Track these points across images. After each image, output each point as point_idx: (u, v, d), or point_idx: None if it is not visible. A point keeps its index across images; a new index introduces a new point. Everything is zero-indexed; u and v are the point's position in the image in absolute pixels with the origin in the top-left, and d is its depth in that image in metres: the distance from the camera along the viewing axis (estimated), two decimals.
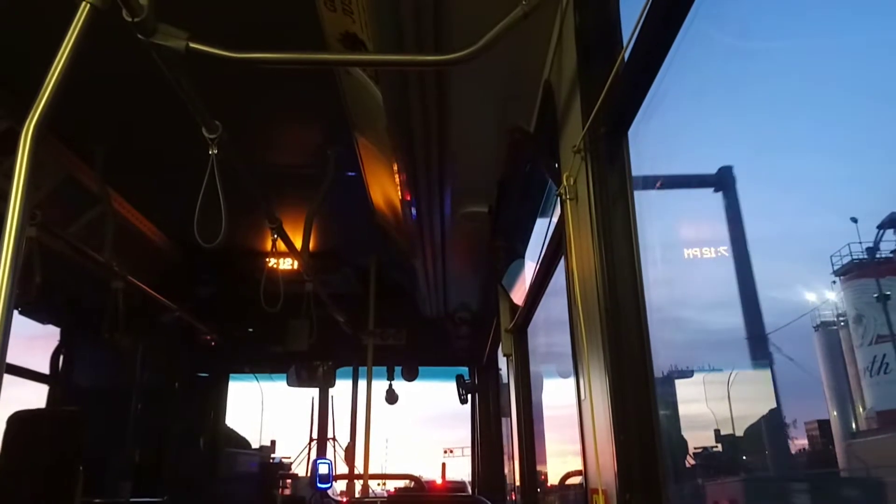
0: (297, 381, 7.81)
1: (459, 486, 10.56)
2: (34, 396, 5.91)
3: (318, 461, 7.07)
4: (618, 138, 2.00)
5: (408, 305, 6.67)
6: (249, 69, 3.32)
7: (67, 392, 6.11)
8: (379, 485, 10.57)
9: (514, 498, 5.78)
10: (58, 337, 6.30)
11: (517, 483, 4.96)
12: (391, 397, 7.60)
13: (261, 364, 8.21)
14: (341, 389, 7.83)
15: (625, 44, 1.79)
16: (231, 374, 8.17)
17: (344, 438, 7.88)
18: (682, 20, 1.58)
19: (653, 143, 2.09)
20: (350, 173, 4.59)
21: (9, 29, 3.32)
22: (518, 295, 4.51)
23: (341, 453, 8.22)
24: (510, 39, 2.02)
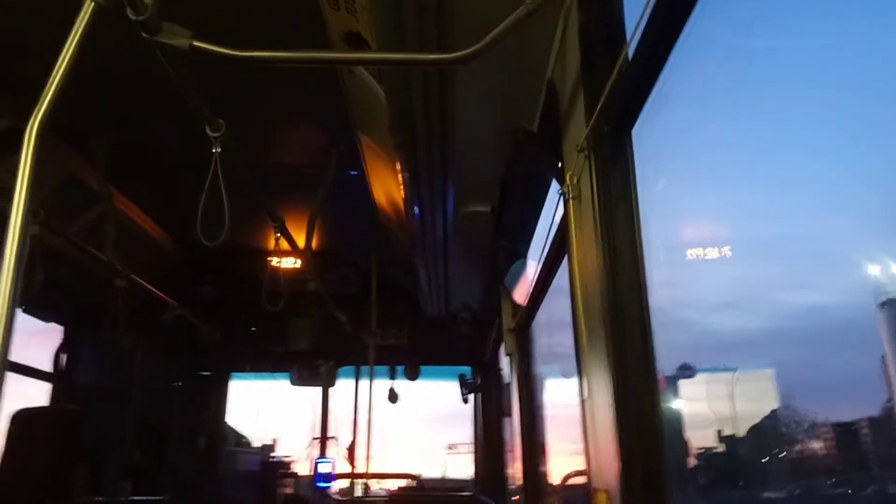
0: (299, 380, 7.81)
1: (462, 485, 10.44)
2: (37, 392, 5.93)
3: (320, 460, 7.08)
4: (621, 137, 1.99)
5: (410, 305, 6.67)
6: (253, 68, 3.33)
7: (69, 390, 6.12)
8: (376, 483, 10.52)
9: (516, 498, 5.78)
10: (59, 334, 6.31)
11: (519, 482, 4.96)
12: (393, 397, 7.60)
13: (262, 363, 8.21)
14: (343, 389, 7.83)
15: (628, 42, 1.79)
16: (233, 373, 8.18)
17: (345, 438, 7.88)
18: (687, 18, 1.58)
19: (657, 142, 2.09)
20: (352, 172, 4.59)
21: (12, 27, 3.32)
22: (520, 294, 4.51)
23: (343, 452, 8.22)
24: (513, 38, 2.02)
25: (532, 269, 3.98)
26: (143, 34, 1.94)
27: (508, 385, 5.24)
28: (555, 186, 2.70)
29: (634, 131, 1.98)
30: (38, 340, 6.23)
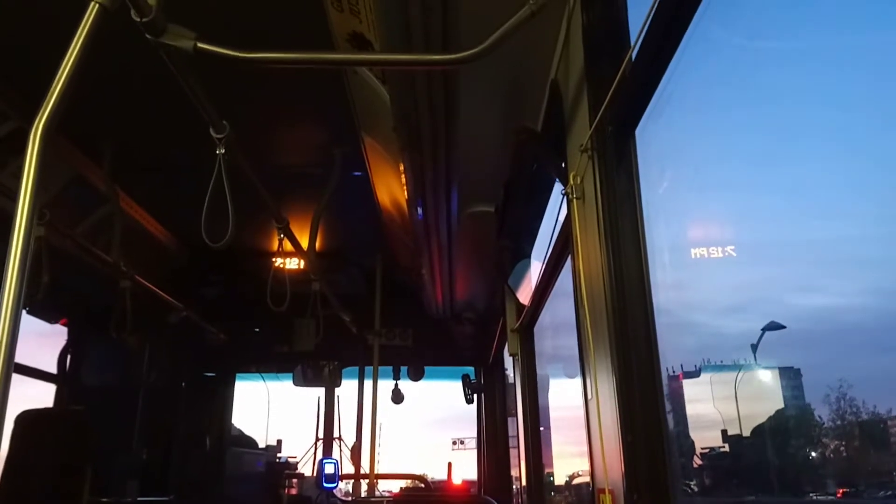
0: (303, 380, 7.82)
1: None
2: (41, 394, 5.95)
3: (324, 461, 7.08)
4: (625, 137, 1.99)
5: (414, 305, 6.67)
6: (257, 69, 3.33)
7: (75, 391, 6.14)
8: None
9: (520, 498, 5.77)
10: (65, 335, 6.34)
11: (523, 483, 4.96)
12: (397, 397, 7.60)
13: (267, 364, 8.22)
14: (347, 389, 7.83)
15: (632, 43, 1.79)
16: (238, 374, 8.19)
17: (350, 438, 7.88)
18: (690, 19, 1.58)
19: (662, 142, 2.08)
20: (356, 173, 4.59)
21: (18, 29, 3.34)
22: (524, 295, 4.51)
23: (347, 453, 8.22)
24: (517, 39, 2.02)
25: (536, 269, 3.97)
26: (148, 36, 1.95)
27: (513, 385, 5.24)
28: (559, 186, 2.70)
29: (638, 131, 1.98)
30: (47, 342, 6.25)
